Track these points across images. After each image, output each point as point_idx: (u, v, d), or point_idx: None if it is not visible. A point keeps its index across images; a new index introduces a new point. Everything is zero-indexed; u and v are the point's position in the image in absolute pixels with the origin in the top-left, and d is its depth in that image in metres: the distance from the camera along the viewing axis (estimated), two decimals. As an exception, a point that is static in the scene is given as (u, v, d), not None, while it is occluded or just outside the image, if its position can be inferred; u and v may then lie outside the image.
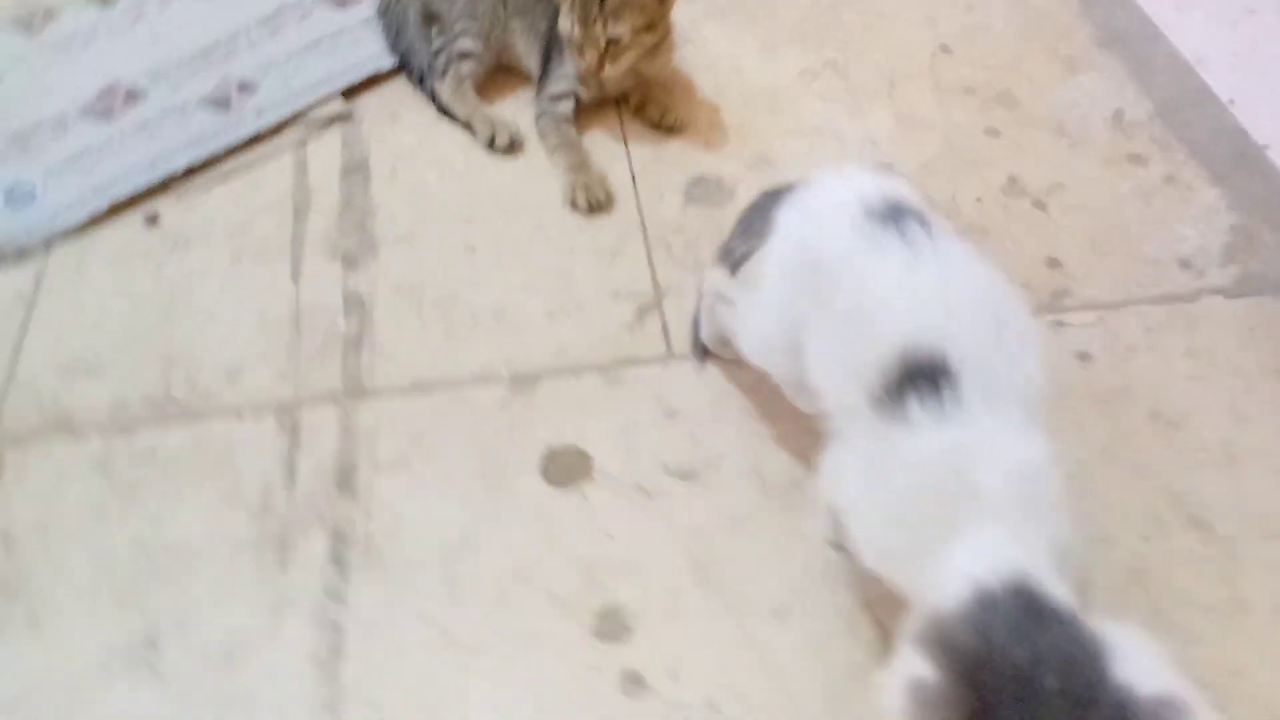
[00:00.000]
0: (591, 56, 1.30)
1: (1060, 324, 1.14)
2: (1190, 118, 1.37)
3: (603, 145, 1.38)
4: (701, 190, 1.31)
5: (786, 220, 0.86)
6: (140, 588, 0.98)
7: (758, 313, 0.88)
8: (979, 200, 1.28)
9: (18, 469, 1.08)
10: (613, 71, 1.32)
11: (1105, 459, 1.02)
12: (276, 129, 1.41)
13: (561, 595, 0.95)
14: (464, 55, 1.41)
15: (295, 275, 1.24)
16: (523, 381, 1.12)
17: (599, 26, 1.28)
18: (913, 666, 0.58)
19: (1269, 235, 1.23)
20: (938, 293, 0.73)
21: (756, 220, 0.96)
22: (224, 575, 0.99)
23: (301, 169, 1.37)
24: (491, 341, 1.16)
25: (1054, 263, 1.21)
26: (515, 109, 1.43)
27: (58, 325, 1.21)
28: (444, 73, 1.40)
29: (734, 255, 1.00)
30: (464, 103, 1.40)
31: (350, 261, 1.25)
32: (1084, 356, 1.11)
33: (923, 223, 0.77)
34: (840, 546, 0.88)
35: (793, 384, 0.85)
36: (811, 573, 0.95)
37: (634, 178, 1.34)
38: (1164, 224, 1.24)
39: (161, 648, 0.94)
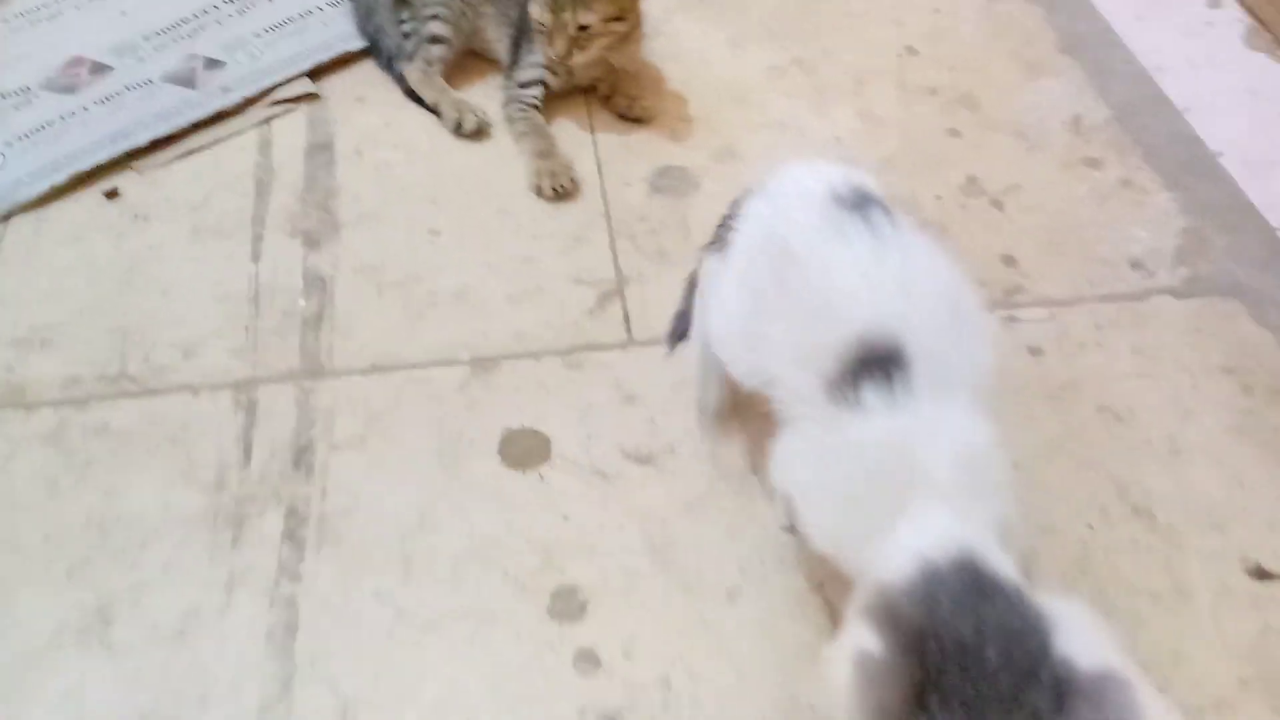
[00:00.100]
0: (561, 44, 1.31)
1: (1013, 319, 1.17)
2: (1146, 123, 1.40)
3: (570, 133, 1.39)
4: (666, 180, 1.32)
5: (754, 206, 0.87)
6: (92, 562, 0.97)
7: (722, 295, 0.89)
8: (938, 198, 1.30)
9: (-31, 441, 1.06)
10: (581, 59, 1.33)
11: (1053, 450, 1.05)
12: (242, 107, 1.41)
13: (517, 575, 0.96)
14: (434, 39, 1.41)
15: (256, 253, 1.24)
16: (482, 364, 1.12)
17: (569, 14, 1.29)
18: (859, 639, 0.59)
19: (1219, 238, 1.26)
20: (899, 283, 0.74)
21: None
22: (178, 551, 0.98)
23: (265, 147, 1.37)
24: (452, 324, 1.16)
25: (1009, 260, 1.23)
26: (484, 95, 1.43)
27: (13, 298, 1.20)
28: (413, 56, 1.41)
29: (724, 242, 1.01)
30: (432, 87, 1.40)
31: (311, 241, 1.25)
32: (1035, 351, 1.13)
33: (887, 213, 0.78)
34: (793, 530, 0.90)
35: (748, 371, 0.86)
36: (764, 555, 0.96)
37: (600, 166, 1.34)
38: (1117, 225, 1.27)
39: (114, 622, 0.93)
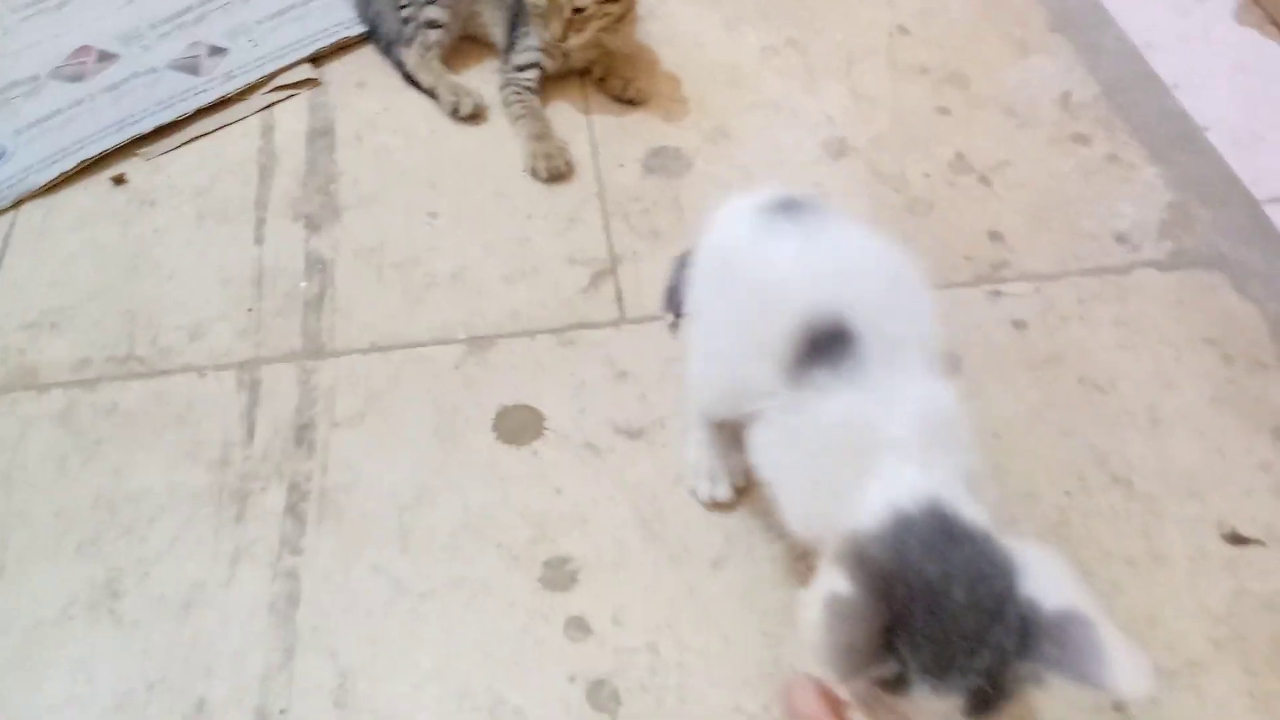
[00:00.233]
0: (557, 26, 1.33)
1: (998, 294, 1.19)
2: (1135, 100, 1.41)
3: (566, 116, 1.41)
4: (660, 161, 1.35)
5: (699, 250, 0.90)
6: (101, 537, 1.01)
7: (694, 334, 0.91)
8: (927, 175, 1.32)
9: (-18, 422, 1.10)
10: (577, 41, 1.35)
11: (1034, 420, 1.07)
12: (244, 93, 1.44)
13: (511, 547, 0.99)
14: (431, 24, 1.43)
15: (259, 237, 1.27)
16: (479, 343, 1.15)
17: None
18: (831, 581, 0.61)
19: (1204, 212, 1.27)
20: (834, 265, 0.77)
21: None
22: (183, 527, 1.01)
23: (268, 133, 1.39)
24: (449, 304, 1.19)
25: (996, 236, 1.25)
26: (481, 79, 1.46)
27: (24, 282, 1.24)
28: (411, 41, 1.43)
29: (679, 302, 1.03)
30: (429, 71, 1.42)
31: (313, 224, 1.28)
32: (1019, 324, 1.15)
33: (816, 210, 0.81)
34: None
35: (725, 393, 0.87)
36: (749, 525, 0.99)
37: (594, 148, 1.37)
38: (1104, 200, 1.29)
39: (122, 595, 0.97)
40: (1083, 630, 0.59)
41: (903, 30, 1.53)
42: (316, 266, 1.23)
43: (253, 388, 1.12)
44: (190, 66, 1.47)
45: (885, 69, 1.47)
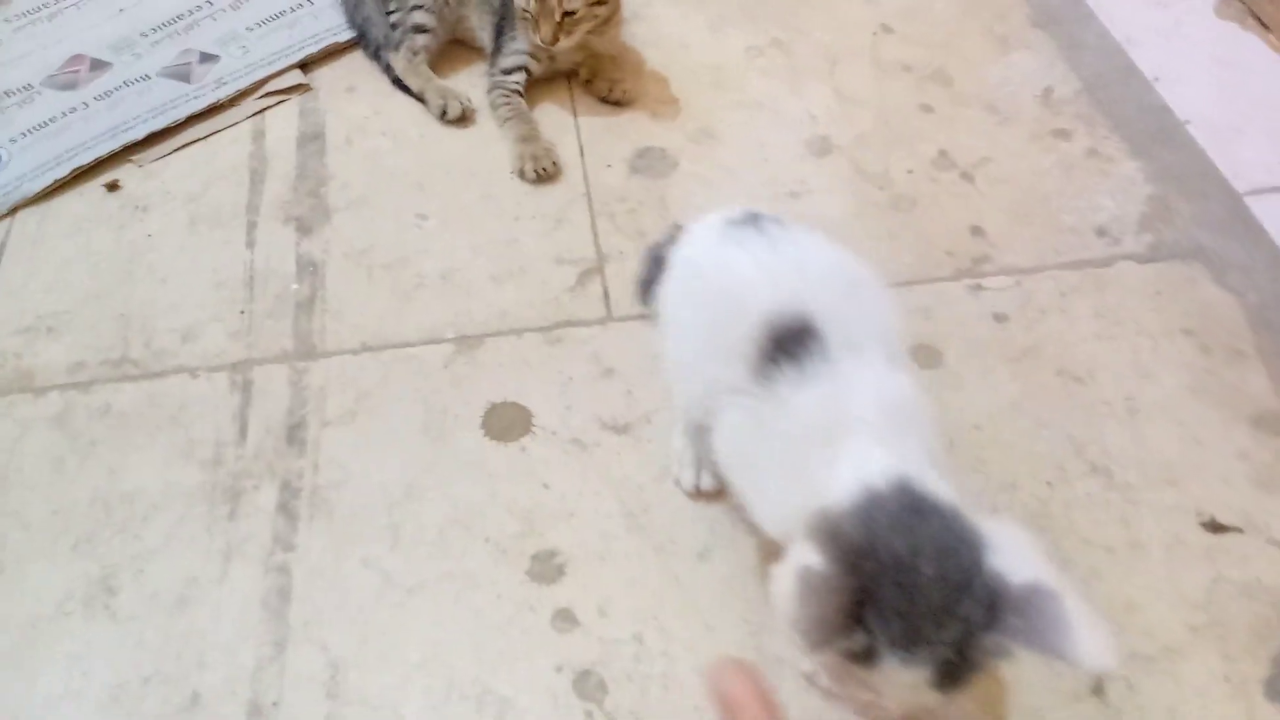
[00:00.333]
0: (547, 29, 1.35)
1: (979, 287, 1.20)
2: (1116, 94, 1.43)
3: (553, 117, 1.43)
4: (646, 161, 1.36)
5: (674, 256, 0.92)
6: (97, 535, 1.02)
7: (667, 345, 0.93)
8: (910, 172, 1.33)
9: (-21, 424, 1.12)
10: (567, 44, 1.37)
11: (1014, 411, 1.08)
12: (236, 99, 1.46)
13: (499, 541, 1.01)
14: (419, 29, 1.45)
15: (250, 241, 1.29)
16: (467, 342, 1.17)
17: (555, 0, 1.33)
18: (802, 556, 0.62)
19: (1183, 205, 1.29)
20: (794, 267, 0.80)
21: None
22: (177, 524, 1.03)
23: (259, 138, 1.41)
24: (438, 304, 1.21)
25: (977, 231, 1.26)
26: (468, 82, 1.48)
27: (20, 288, 1.25)
28: (399, 46, 1.45)
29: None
30: (417, 75, 1.44)
31: (304, 227, 1.30)
32: (1000, 317, 1.17)
33: (778, 222, 0.84)
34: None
35: (698, 396, 0.89)
36: (733, 517, 1.00)
37: (581, 149, 1.38)
38: (1084, 195, 1.30)
39: (117, 591, 0.99)
40: (1048, 603, 0.60)
41: (886, 29, 1.54)
42: (307, 269, 1.25)
43: (245, 388, 1.14)
44: (182, 74, 1.49)
45: (869, 68, 1.48)
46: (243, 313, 1.21)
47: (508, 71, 1.43)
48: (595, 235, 1.27)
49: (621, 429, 1.09)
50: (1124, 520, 1.01)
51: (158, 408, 1.12)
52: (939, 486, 0.67)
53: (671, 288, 0.89)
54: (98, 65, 1.51)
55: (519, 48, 1.42)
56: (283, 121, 1.43)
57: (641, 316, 1.16)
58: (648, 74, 1.49)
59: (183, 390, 1.14)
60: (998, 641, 0.61)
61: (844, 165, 1.35)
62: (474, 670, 0.92)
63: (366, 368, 1.15)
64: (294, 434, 1.09)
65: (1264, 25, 1.51)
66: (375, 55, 1.49)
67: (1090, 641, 0.58)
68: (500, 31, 1.45)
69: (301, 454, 1.08)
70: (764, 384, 0.75)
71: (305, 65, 1.50)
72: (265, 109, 1.45)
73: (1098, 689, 0.90)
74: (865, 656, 0.61)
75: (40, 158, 1.38)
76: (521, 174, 1.34)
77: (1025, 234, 1.26)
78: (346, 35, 1.53)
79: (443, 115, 1.41)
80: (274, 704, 0.91)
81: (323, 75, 1.50)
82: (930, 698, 0.62)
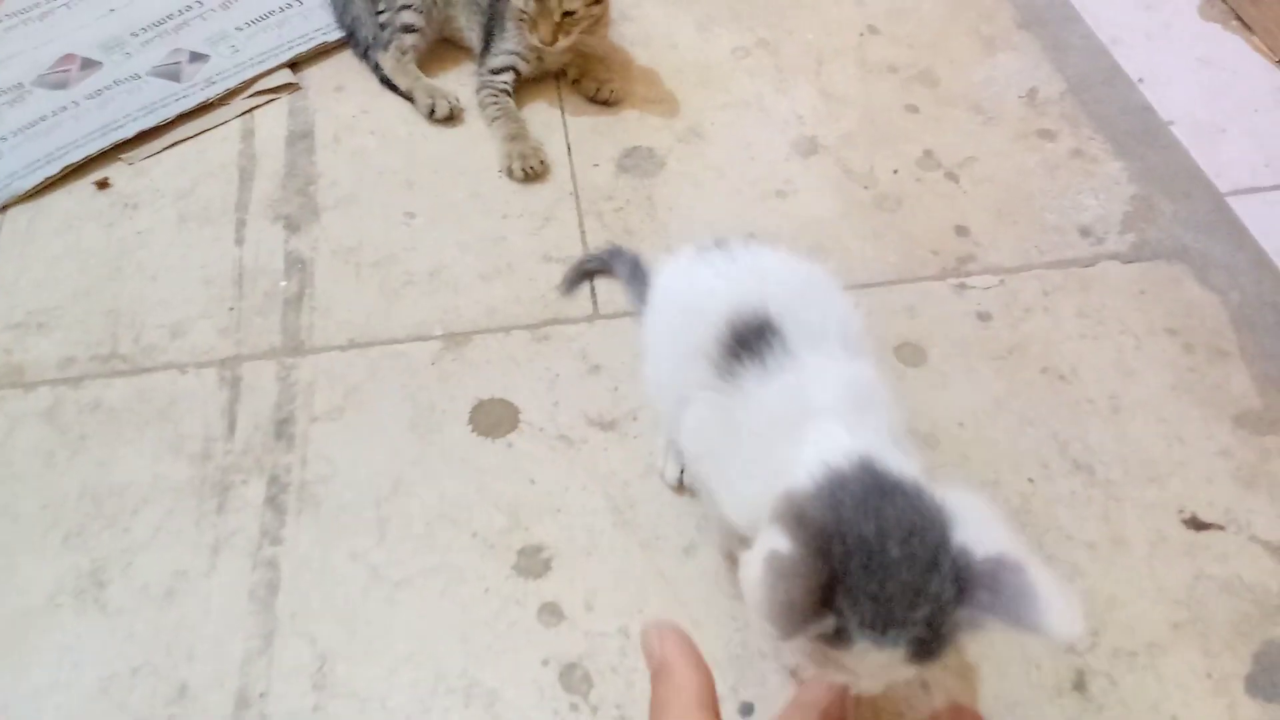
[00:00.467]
0: (546, 29, 1.35)
1: (964, 286, 1.21)
2: (1100, 95, 1.44)
3: (541, 117, 1.44)
4: (633, 160, 1.37)
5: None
6: (87, 529, 1.03)
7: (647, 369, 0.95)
8: (895, 172, 1.35)
9: (-31, 420, 1.12)
10: (565, 43, 1.38)
11: (998, 409, 1.09)
12: (225, 98, 1.46)
13: (486, 535, 1.01)
14: (407, 29, 1.46)
15: (239, 238, 1.29)
16: (455, 339, 1.18)
17: (554, 0, 1.34)
18: (771, 541, 0.62)
19: (1167, 204, 1.30)
20: (751, 272, 0.83)
21: None
22: (166, 518, 1.04)
23: (248, 136, 1.42)
24: (426, 301, 1.22)
25: (962, 230, 1.27)
26: (457, 81, 1.48)
27: (10, 285, 1.26)
28: (387, 45, 1.45)
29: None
30: (405, 74, 1.45)
31: (292, 225, 1.30)
32: (984, 316, 1.18)
33: (742, 243, 0.87)
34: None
35: (674, 418, 0.90)
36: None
37: (569, 148, 1.39)
38: (1068, 195, 1.32)
39: (107, 584, 0.99)
40: (1014, 575, 0.60)
41: (873, 30, 1.55)
42: (296, 266, 1.26)
43: (234, 384, 1.14)
44: (172, 73, 1.49)
45: (855, 68, 1.49)
46: (231, 309, 1.21)
47: (496, 71, 1.43)
48: (583, 233, 1.28)
49: (608, 425, 1.09)
50: (1106, 517, 1.02)
51: (147, 403, 1.13)
52: (901, 462, 0.67)
53: (649, 316, 0.92)
54: (88, 64, 1.52)
55: (507, 48, 1.43)
56: (272, 120, 1.44)
57: (628, 314, 1.17)
58: (636, 74, 1.50)
59: (172, 385, 1.14)
60: (968, 616, 0.61)
61: (830, 165, 1.36)
62: (461, 663, 0.93)
63: (354, 364, 1.16)
64: (282, 429, 1.10)
65: (1247, 27, 1.53)
66: (364, 55, 1.49)
67: (1058, 611, 0.59)
68: (489, 32, 1.45)
69: (289, 449, 1.08)
70: (728, 379, 0.77)
71: (294, 64, 1.51)
72: (254, 108, 1.46)
73: (1079, 684, 0.91)
74: (838, 639, 0.61)
75: (31, 155, 1.39)
76: (509, 173, 1.35)
77: (1009, 233, 1.27)
78: (335, 35, 1.53)
79: (431, 114, 1.42)
80: (261, 695, 0.91)
81: (312, 74, 1.51)
82: (905, 673, 0.62)
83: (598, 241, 1.27)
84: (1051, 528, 1.01)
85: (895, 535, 0.61)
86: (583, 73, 1.46)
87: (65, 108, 1.45)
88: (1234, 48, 1.51)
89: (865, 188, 1.33)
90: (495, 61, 1.43)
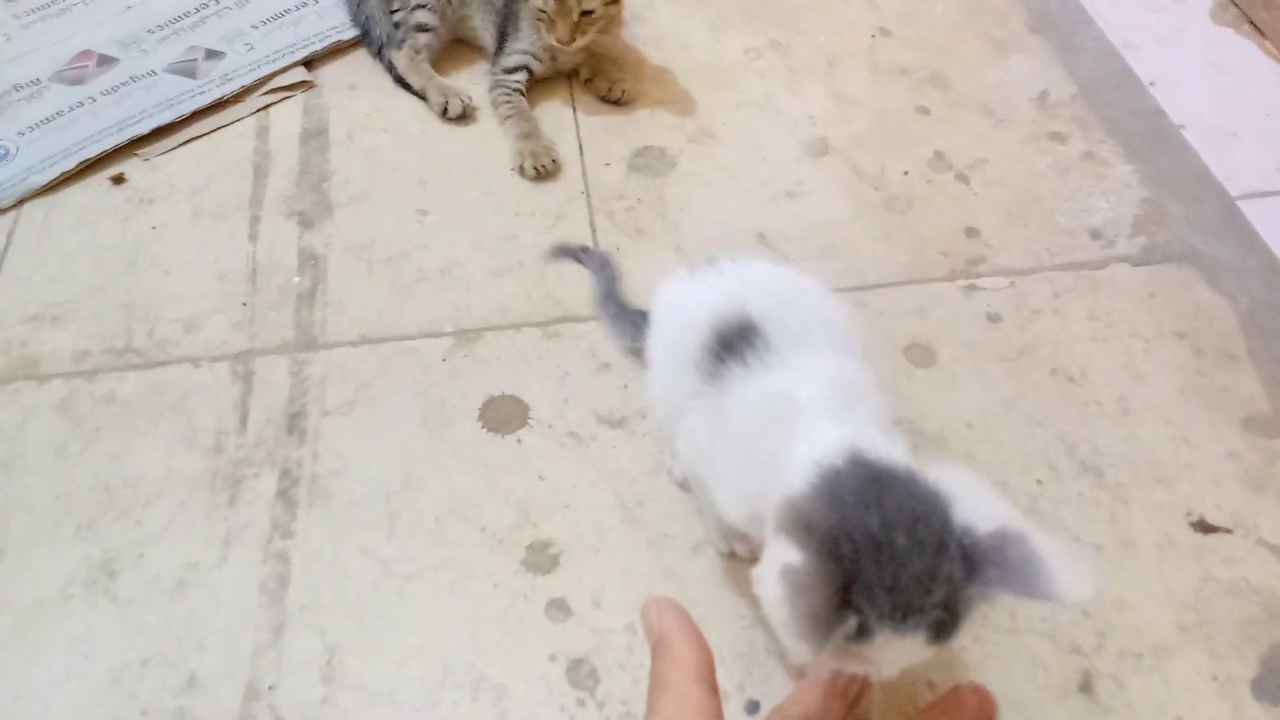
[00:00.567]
0: (564, 29, 1.36)
1: (974, 288, 1.21)
2: (1111, 98, 1.44)
3: (553, 116, 1.45)
4: (645, 160, 1.38)
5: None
6: (99, 520, 1.04)
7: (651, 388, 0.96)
8: (906, 173, 1.35)
9: (-15, 412, 1.13)
10: (582, 43, 1.39)
11: (1006, 410, 1.10)
12: (240, 95, 1.47)
13: (495, 531, 1.02)
14: (421, 28, 1.47)
15: (253, 234, 1.30)
16: (466, 336, 1.18)
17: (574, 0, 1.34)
18: (780, 554, 0.62)
19: (1177, 208, 1.30)
20: (736, 279, 0.85)
21: None
22: (178, 510, 1.04)
23: (263, 133, 1.43)
24: (438, 298, 1.22)
25: (972, 232, 1.28)
26: (470, 81, 1.49)
27: (26, 278, 1.27)
28: (401, 44, 1.46)
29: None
30: (419, 73, 1.46)
31: (306, 221, 1.31)
32: (994, 318, 1.18)
33: (731, 259, 0.88)
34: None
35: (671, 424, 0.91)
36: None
37: (581, 147, 1.40)
38: (1078, 197, 1.32)
39: (119, 575, 1.00)
40: (1019, 547, 0.60)
41: (884, 32, 1.56)
42: (309, 262, 1.26)
43: (246, 378, 1.15)
44: (188, 70, 1.51)
45: (866, 70, 1.50)
46: (245, 304, 1.22)
47: (509, 71, 1.44)
48: (594, 232, 1.29)
49: (617, 423, 1.10)
50: (1114, 519, 1.02)
51: (160, 396, 1.14)
52: (890, 449, 0.67)
53: (650, 337, 0.93)
54: (105, 61, 1.53)
55: (521, 47, 1.44)
56: (286, 117, 1.45)
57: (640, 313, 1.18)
58: (648, 74, 1.50)
59: (185, 379, 1.15)
60: (980, 592, 0.61)
61: (841, 166, 1.36)
62: (470, 657, 0.93)
63: (366, 359, 1.16)
64: (294, 423, 1.11)
65: (1259, 31, 1.53)
66: (378, 53, 1.50)
67: (1068, 578, 0.59)
68: (502, 31, 1.46)
69: (301, 443, 1.09)
70: (713, 382, 0.78)
71: (309, 63, 1.52)
72: (269, 105, 1.47)
73: (1085, 686, 0.91)
74: (859, 634, 0.61)
75: (47, 151, 1.40)
76: (521, 171, 1.35)
77: (1020, 236, 1.27)
78: (350, 33, 1.54)
79: (444, 113, 1.43)
80: (271, 687, 0.92)
81: (326, 73, 1.52)
82: (925, 655, 0.63)
83: (609, 240, 1.27)
84: (1059, 528, 1.01)
85: (900, 524, 0.61)
86: (595, 72, 1.47)
87: (82, 103, 1.46)
88: (1246, 52, 1.51)
89: (876, 189, 1.33)
90: (509, 61, 1.44)
